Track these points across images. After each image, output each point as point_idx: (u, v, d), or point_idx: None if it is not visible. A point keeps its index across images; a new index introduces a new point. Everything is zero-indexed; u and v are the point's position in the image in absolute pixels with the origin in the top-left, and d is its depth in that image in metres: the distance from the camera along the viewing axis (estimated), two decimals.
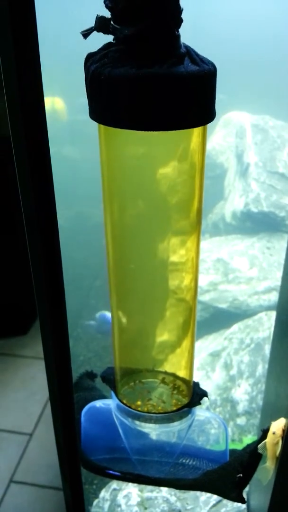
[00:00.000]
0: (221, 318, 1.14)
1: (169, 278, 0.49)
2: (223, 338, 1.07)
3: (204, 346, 1.08)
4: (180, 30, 0.35)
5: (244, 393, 0.95)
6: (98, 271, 1.61)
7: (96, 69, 0.35)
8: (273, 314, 1.09)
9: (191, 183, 0.43)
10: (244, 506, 0.79)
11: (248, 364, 0.99)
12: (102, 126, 0.39)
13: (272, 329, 1.04)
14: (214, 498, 0.79)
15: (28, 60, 0.32)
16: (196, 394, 0.54)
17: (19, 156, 0.36)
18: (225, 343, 1.05)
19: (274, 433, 0.52)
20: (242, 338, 1.04)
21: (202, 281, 1.19)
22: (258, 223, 1.30)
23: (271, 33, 1.31)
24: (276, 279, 1.17)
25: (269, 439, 0.53)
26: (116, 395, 0.55)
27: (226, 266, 1.22)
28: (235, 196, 1.38)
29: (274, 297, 1.14)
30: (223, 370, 0.99)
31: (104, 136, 0.40)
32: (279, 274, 1.18)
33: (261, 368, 0.98)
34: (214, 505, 0.77)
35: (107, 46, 0.36)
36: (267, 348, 1.01)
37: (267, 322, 1.07)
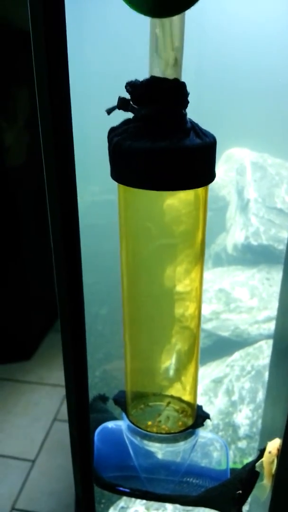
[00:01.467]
0: (223, 346, 1.19)
1: (176, 307, 0.56)
2: (225, 365, 1.12)
3: (207, 372, 1.14)
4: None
5: (245, 418, 1.00)
6: (105, 298, 1.65)
7: (118, 141, 0.43)
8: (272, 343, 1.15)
9: (196, 222, 0.50)
10: None
11: (249, 390, 1.05)
12: (121, 185, 0.46)
13: None
14: None
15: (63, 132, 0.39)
16: (200, 417, 0.60)
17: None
18: (227, 370, 1.11)
19: (270, 452, 0.57)
20: (243, 365, 1.10)
21: (205, 310, 1.25)
22: (258, 255, 1.37)
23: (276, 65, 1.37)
24: (275, 309, 1.22)
25: (265, 458, 0.58)
26: (127, 417, 0.60)
27: (228, 296, 1.28)
28: (236, 229, 1.46)
29: (273, 326, 1.19)
30: (225, 396, 1.04)
31: (123, 193, 0.47)
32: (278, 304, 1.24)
33: (261, 394, 1.04)
34: None
35: (127, 122, 0.44)
36: (267, 375, 1.06)
37: (267, 350, 1.13)
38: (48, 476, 1.31)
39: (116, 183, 0.47)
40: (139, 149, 0.41)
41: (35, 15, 0.35)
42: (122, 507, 0.87)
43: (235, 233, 1.46)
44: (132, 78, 0.43)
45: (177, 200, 0.48)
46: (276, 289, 1.28)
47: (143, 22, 0.41)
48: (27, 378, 1.72)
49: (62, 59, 0.37)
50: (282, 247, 1.34)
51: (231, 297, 1.27)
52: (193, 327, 0.57)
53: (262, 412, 1.00)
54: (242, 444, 0.97)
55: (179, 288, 0.54)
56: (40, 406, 1.59)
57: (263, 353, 1.12)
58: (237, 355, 1.14)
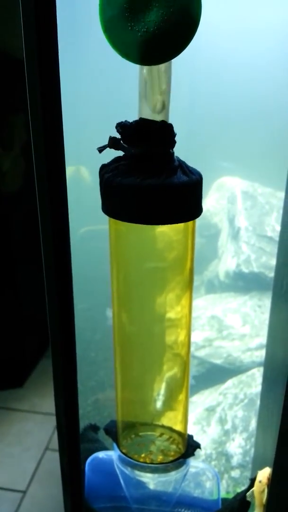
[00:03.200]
0: (216, 373, 1.20)
1: (166, 334, 0.57)
2: (218, 393, 1.12)
3: (200, 401, 1.14)
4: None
5: (238, 446, 1.00)
6: (98, 324, 1.65)
7: (109, 178, 0.45)
8: None
9: (185, 248, 0.52)
10: None
11: (241, 419, 1.04)
12: (111, 219, 0.48)
13: None
14: None
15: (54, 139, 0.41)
16: (191, 446, 0.60)
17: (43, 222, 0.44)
18: (220, 398, 1.11)
19: (260, 482, 0.57)
20: (236, 394, 1.10)
21: (198, 337, 1.26)
22: (249, 283, 1.39)
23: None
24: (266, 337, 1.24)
25: (256, 488, 0.58)
26: (118, 447, 0.61)
27: (220, 323, 1.29)
28: (228, 257, 1.48)
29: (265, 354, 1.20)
30: (218, 424, 1.04)
31: (113, 225, 0.49)
32: None
33: (254, 423, 1.03)
34: None
35: (117, 159, 0.47)
36: (259, 404, 1.06)
37: (259, 378, 1.13)
38: (40, 507, 1.28)
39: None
40: (128, 185, 0.44)
41: (29, 49, 0.37)
42: None
43: (226, 261, 1.48)
44: (122, 119, 0.46)
45: (166, 233, 0.49)
46: (267, 316, 1.29)
47: (133, 68, 0.43)
48: (19, 406, 1.70)
49: (55, 95, 0.39)
50: (272, 274, 1.36)
51: (223, 324, 1.28)
52: (183, 354, 0.58)
53: (254, 441, 1.00)
54: (235, 473, 0.96)
55: (169, 315, 0.55)
56: (32, 435, 1.56)
57: (256, 380, 1.13)
58: (230, 382, 1.14)
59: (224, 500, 0.64)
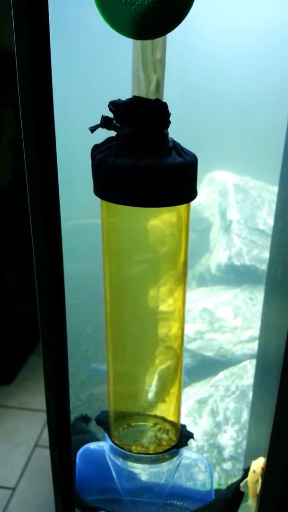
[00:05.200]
0: (208, 366, 1.19)
1: (159, 327, 0.56)
2: (210, 386, 1.11)
3: (192, 393, 1.13)
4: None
5: (229, 439, 0.99)
6: (88, 318, 1.64)
7: (101, 158, 0.43)
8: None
9: (178, 242, 0.51)
10: None
11: (233, 410, 1.04)
12: (104, 201, 0.47)
13: None
14: None
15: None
16: (183, 436, 0.59)
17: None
18: (211, 390, 1.10)
19: (254, 472, 0.57)
20: (227, 386, 1.09)
21: (189, 330, 1.25)
22: (241, 276, 1.39)
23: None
24: (258, 329, 1.23)
25: (249, 478, 0.57)
26: (110, 437, 0.59)
27: (212, 315, 1.28)
28: (219, 250, 1.48)
29: (257, 346, 1.20)
30: (210, 416, 1.04)
31: (105, 209, 0.48)
32: None
33: (246, 415, 1.03)
34: None
35: (110, 140, 0.45)
36: (251, 396, 1.06)
37: (251, 370, 1.13)
38: (29, 504, 1.27)
39: (98, 205, 0.48)
40: (121, 166, 0.42)
41: (20, 34, 0.36)
42: None
43: (218, 254, 1.47)
44: (115, 97, 0.44)
45: (160, 218, 0.48)
46: (259, 308, 1.29)
47: (127, 43, 0.42)
48: (7, 403, 1.69)
49: (46, 76, 0.38)
50: (264, 267, 1.36)
51: (215, 316, 1.28)
52: (176, 347, 0.57)
53: (246, 432, 0.99)
54: (227, 465, 0.96)
55: (162, 307, 0.54)
56: (21, 432, 1.55)
57: (247, 373, 1.12)
58: (221, 375, 1.14)
59: (216, 490, 0.63)
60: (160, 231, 0.49)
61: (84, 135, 0.46)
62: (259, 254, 1.37)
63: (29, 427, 1.58)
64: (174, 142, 0.45)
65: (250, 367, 1.14)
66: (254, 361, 1.17)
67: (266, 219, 1.46)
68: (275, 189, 1.65)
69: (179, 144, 0.45)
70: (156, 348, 0.57)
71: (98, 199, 0.48)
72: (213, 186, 1.78)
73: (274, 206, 1.49)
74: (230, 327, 1.25)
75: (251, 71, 1.36)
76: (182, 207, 0.48)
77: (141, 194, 0.43)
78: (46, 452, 1.44)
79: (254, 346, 1.20)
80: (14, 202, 1.74)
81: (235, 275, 1.39)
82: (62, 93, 0.47)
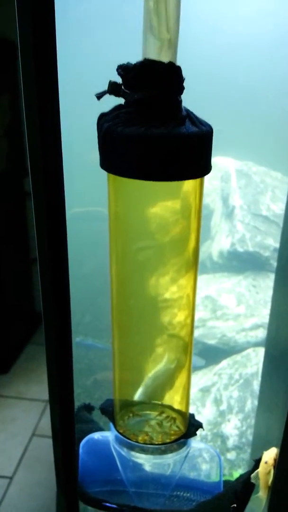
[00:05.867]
0: (210, 354, 1.17)
1: (167, 314, 0.53)
2: (213, 374, 1.09)
3: (195, 381, 1.11)
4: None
5: (234, 428, 0.97)
6: (87, 306, 1.62)
7: (109, 127, 0.40)
8: (260, 350, 1.13)
9: (189, 224, 0.48)
10: None
11: (237, 399, 1.02)
12: (111, 175, 0.43)
13: (260, 364, 1.08)
14: None
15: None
16: (192, 426, 0.57)
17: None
18: (214, 378, 1.08)
19: (266, 463, 0.54)
20: (231, 374, 1.07)
21: None
22: (244, 262, 1.36)
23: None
24: (262, 316, 1.21)
25: (261, 469, 0.55)
26: (115, 427, 0.57)
27: (214, 303, 1.26)
28: (222, 236, 1.44)
29: (261, 333, 1.17)
30: (213, 405, 1.01)
31: (112, 184, 0.44)
32: (265, 311, 1.22)
33: (250, 403, 1.01)
34: None
35: (118, 107, 0.42)
36: (255, 384, 1.04)
37: (254, 358, 1.11)
38: (27, 493, 1.27)
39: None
40: (131, 135, 0.39)
41: None
42: None
43: (220, 240, 1.44)
44: (124, 61, 0.41)
45: (171, 195, 0.45)
46: (262, 296, 1.26)
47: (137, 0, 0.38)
48: (4, 392, 1.68)
49: (50, 40, 0.34)
50: (268, 254, 1.33)
51: (217, 304, 1.25)
52: (185, 334, 0.54)
53: (251, 422, 0.97)
54: (231, 455, 0.94)
55: (171, 295, 0.51)
56: (17, 421, 1.55)
57: (251, 361, 1.10)
58: (224, 363, 1.11)
59: (225, 482, 0.61)
60: (171, 211, 0.46)
61: (89, 106, 0.43)
62: (263, 241, 1.34)
63: (26, 416, 1.57)
64: (187, 111, 0.42)
65: (253, 355, 1.12)
66: (258, 349, 1.14)
67: (270, 205, 1.42)
68: (278, 174, 1.62)
69: (193, 113, 0.42)
70: (163, 335, 0.54)
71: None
72: (214, 172, 1.74)
73: (277, 191, 1.45)
74: (233, 315, 1.22)
75: (250, 54, 1.32)
76: (195, 183, 0.44)
77: (152, 167, 0.39)
78: (43, 441, 1.43)
79: (257, 334, 1.17)
80: (9, 191, 1.70)
81: (238, 262, 1.36)
82: (65, 59, 0.44)
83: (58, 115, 0.37)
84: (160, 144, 0.38)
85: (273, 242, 1.33)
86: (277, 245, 1.34)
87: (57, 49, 0.35)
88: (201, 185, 0.45)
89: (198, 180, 0.44)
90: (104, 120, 0.41)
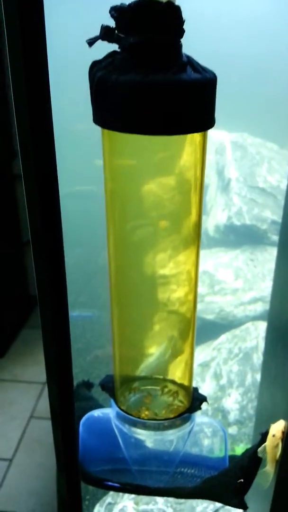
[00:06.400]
0: (208, 329, 1.15)
1: (166, 290, 0.50)
2: (212, 349, 1.07)
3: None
4: None
5: (234, 402, 0.96)
6: (82, 287, 1.60)
7: (102, 76, 0.36)
8: (259, 324, 1.11)
9: (190, 192, 0.44)
10: None
11: (237, 373, 1.00)
12: (106, 131, 0.40)
13: (260, 338, 1.06)
14: (211, 508, 0.78)
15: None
16: (196, 400, 0.55)
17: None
18: (213, 353, 1.06)
19: (273, 436, 0.52)
20: (230, 348, 1.05)
21: None
22: (241, 236, 1.33)
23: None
24: (261, 290, 1.19)
25: (268, 442, 0.53)
26: (116, 403, 0.54)
27: (212, 278, 1.23)
28: (218, 210, 1.41)
29: (259, 307, 1.16)
30: (213, 380, 1.00)
31: (108, 141, 0.41)
32: (263, 284, 1.20)
33: (250, 377, 0.99)
34: None
35: (112, 54, 0.38)
36: (255, 357, 1.02)
37: (254, 332, 1.09)
38: (26, 475, 1.27)
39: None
40: (127, 83, 0.35)
41: None
42: (109, 503, 0.81)
43: (216, 214, 1.41)
44: (117, 2, 0.37)
45: (171, 150, 0.41)
46: (260, 269, 1.24)
47: None
48: (0, 376, 1.68)
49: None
50: (265, 226, 1.30)
51: (215, 279, 1.23)
52: (186, 310, 0.52)
53: (252, 396, 0.96)
54: (233, 430, 0.93)
55: (170, 270, 0.48)
56: (15, 404, 1.55)
57: (250, 334, 1.08)
58: (223, 337, 1.10)
59: (231, 457, 0.59)
60: (171, 163, 0.42)
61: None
62: (260, 213, 1.31)
63: (24, 399, 1.57)
64: (188, 57, 0.38)
65: (253, 329, 1.10)
66: (257, 323, 1.13)
67: (266, 176, 1.39)
68: (274, 146, 1.58)
69: (194, 59, 0.38)
70: (164, 312, 0.51)
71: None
72: (208, 146, 1.70)
73: (274, 163, 1.42)
74: (231, 289, 1.20)
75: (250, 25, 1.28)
76: (199, 139, 0.41)
77: (150, 118, 0.36)
78: (42, 423, 1.43)
79: (256, 308, 1.15)
80: None
81: (235, 236, 1.33)
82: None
83: (48, 87, 0.33)
84: (159, 91, 0.35)
85: (271, 214, 1.30)
86: (275, 217, 1.32)
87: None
88: (204, 142, 0.42)
89: (201, 136, 0.41)
90: (96, 69, 0.37)
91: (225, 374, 1.00)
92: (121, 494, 0.81)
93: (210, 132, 1.47)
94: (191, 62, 0.37)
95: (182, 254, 0.48)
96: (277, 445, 0.52)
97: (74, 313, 1.61)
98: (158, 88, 0.35)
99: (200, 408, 0.54)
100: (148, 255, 0.48)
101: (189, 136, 0.40)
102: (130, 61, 0.36)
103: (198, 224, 0.47)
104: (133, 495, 0.80)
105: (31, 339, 1.87)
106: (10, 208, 1.77)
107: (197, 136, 0.40)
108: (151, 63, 0.36)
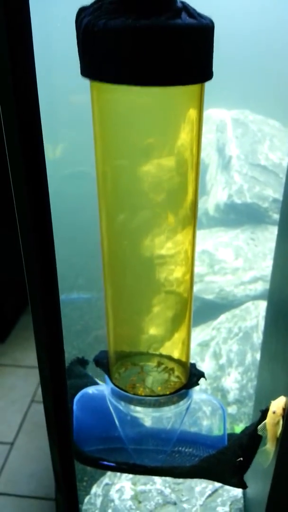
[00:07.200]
0: (208, 310, 1.13)
1: (162, 271, 0.48)
2: (211, 328, 1.05)
3: (193, 337, 1.07)
4: None
5: (234, 381, 0.94)
6: (80, 270, 1.59)
7: (90, 21, 0.33)
8: (260, 303, 1.09)
9: (187, 162, 0.42)
10: (240, 495, 0.78)
11: (237, 352, 0.98)
12: (95, 87, 0.37)
13: (260, 317, 1.04)
14: (210, 488, 0.77)
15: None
16: (193, 375, 0.53)
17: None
18: (213, 333, 1.04)
19: (274, 412, 0.50)
20: (230, 328, 1.03)
21: None
22: (241, 215, 1.30)
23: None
24: (261, 269, 1.17)
25: (269, 419, 0.51)
26: (111, 380, 0.52)
27: (212, 257, 1.21)
28: (218, 189, 1.38)
29: (260, 286, 1.13)
30: (213, 359, 0.98)
31: (96, 96, 0.38)
32: (264, 264, 1.18)
33: (250, 357, 0.98)
34: (209, 495, 0.76)
35: None
36: (255, 337, 1.01)
37: (254, 311, 1.07)
38: (28, 458, 1.29)
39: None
40: (116, 28, 0.32)
41: None
42: (107, 484, 0.80)
43: (217, 193, 1.38)
44: None
45: (166, 109, 0.38)
46: (261, 248, 1.22)
47: None
48: (1, 361, 1.69)
49: None
50: (266, 205, 1.27)
51: (215, 258, 1.20)
52: (183, 285, 0.51)
53: (252, 375, 0.94)
54: (232, 409, 0.91)
55: (167, 250, 0.47)
56: (16, 389, 1.56)
57: (251, 314, 1.06)
58: (223, 317, 1.08)
59: (230, 435, 0.57)
60: (163, 135, 0.40)
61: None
62: (261, 191, 1.28)
63: (25, 383, 1.59)
64: (183, 3, 0.35)
65: (253, 308, 1.08)
66: (257, 302, 1.10)
67: (268, 154, 1.35)
68: (276, 123, 1.54)
69: (190, 5, 0.35)
70: (161, 292, 0.49)
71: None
72: (208, 125, 1.66)
73: (275, 140, 1.38)
74: (231, 269, 1.18)
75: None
76: (195, 93, 0.38)
77: (142, 68, 0.33)
78: (43, 408, 1.43)
79: (257, 287, 1.13)
80: None
81: (235, 215, 1.30)
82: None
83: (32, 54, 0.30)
84: (151, 37, 0.32)
85: (272, 192, 1.27)
86: (277, 195, 1.29)
87: None
88: (201, 99, 0.39)
89: (198, 91, 0.38)
90: (84, 15, 0.34)
91: (224, 353, 0.98)
92: (118, 474, 0.80)
93: (210, 112, 1.43)
94: (186, 8, 0.34)
95: (179, 234, 0.46)
96: (277, 422, 0.51)
97: (72, 295, 1.60)
98: (151, 33, 0.32)
99: (197, 384, 0.52)
100: (140, 231, 0.46)
101: (185, 91, 0.37)
102: (120, 5, 0.33)
103: (195, 202, 0.45)
104: (130, 476, 0.79)
105: (31, 325, 1.86)
106: (7, 193, 1.75)
107: (194, 91, 0.37)
108: (143, 7, 0.32)
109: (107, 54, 0.33)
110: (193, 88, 0.37)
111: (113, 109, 0.38)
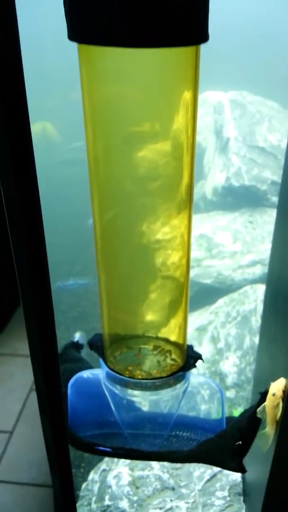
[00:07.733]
0: (206, 294, 1.12)
1: (158, 255, 0.47)
2: (209, 313, 1.04)
3: (190, 321, 1.06)
4: None
5: (232, 365, 0.93)
6: (77, 257, 1.58)
7: None
8: (258, 287, 1.08)
9: (181, 132, 0.40)
10: (240, 479, 0.77)
11: (235, 336, 0.97)
12: (82, 48, 0.34)
13: (258, 301, 1.03)
14: (208, 473, 0.76)
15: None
16: (190, 357, 0.51)
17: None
18: (211, 317, 1.03)
19: (273, 395, 0.49)
20: (228, 312, 1.02)
21: None
22: (239, 198, 1.28)
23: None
24: (260, 253, 1.15)
25: (268, 402, 0.50)
26: (106, 363, 0.51)
27: (210, 241, 1.19)
28: (216, 172, 1.36)
29: (258, 270, 1.12)
30: (211, 343, 0.97)
31: (85, 61, 0.35)
32: (262, 247, 1.16)
33: (249, 340, 0.96)
34: (208, 480, 0.75)
35: None
36: (253, 320, 0.99)
37: (252, 295, 1.06)
38: (27, 446, 1.29)
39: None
40: None
41: None
42: (104, 470, 0.79)
43: (214, 176, 1.35)
44: None
45: (159, 76, 0.36)
46: (260, 232, 1.20)
47: None
48: (0, 350, 1.68)
49: None
50: (265, 187, 1.25)
51: (213, 242, 1.18)
52: (180, 274, 0.49)
53: (250, 359, 0.93)
54: (231, 393, 0.90)
55: (164, 234, 0.45)
56: (15, 378, 1.56)
57: (249, 298, 1.05)
58: (221, 301, 1.06)
59: (228, 418, 0.56)
60: (156, 104, 0.37)
61: None
62: (260, 174, 1.25)
63: (23, 372, 1.59)
64: None
65: (251, 292, 1.07)
66: (255, 286, 1.09)
67: (267, 135, 1.33)
68: (274, 104, 1.51)
69: None
70: (157, 277, 0.48)
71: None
72: (205, 108, 1.63)
73: (274, 122, 1.36)
74: (229, 253, 1.16)
75: None
76: (190, 59, 0.35)
77: (132, 27, 0.30)
78: None
79: (255, 271, 1.12)
80: None
81: (233, 198, 1.28)
82: None
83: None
84: None
85: (271, 175, 1.25)
86: (275, 178, 1.26)
87: None
88: (197, 64, 0.36)
89: (193, 56, 0.36)
90: None
91: (222, 337, 0.97)
92: (115, 460, 0.79)
93: (208, 94, 1.40)
94: None
95: (175, 218, 0.45)
96: (277, 405, 0.49)
97: (69, 281, 1.59)
98: None
99: (195, 366, 0.51)
100: (135, 215, 0.44)
101: (179, 54, 0.35)
102: None
103: (190, 185, 0.43)
104: (128, 461, 0.78)
105: None
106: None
107: (188, 54, 0.35)
108: None
109: (95, 12, 0.31)
110: (188, 54, 0.35)
111: (103, 77, 0.36)
